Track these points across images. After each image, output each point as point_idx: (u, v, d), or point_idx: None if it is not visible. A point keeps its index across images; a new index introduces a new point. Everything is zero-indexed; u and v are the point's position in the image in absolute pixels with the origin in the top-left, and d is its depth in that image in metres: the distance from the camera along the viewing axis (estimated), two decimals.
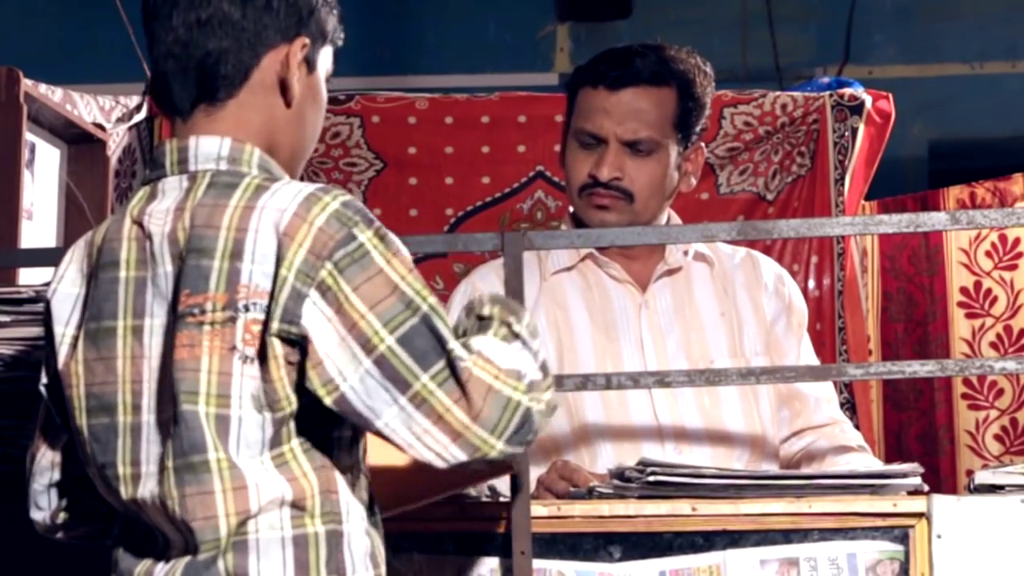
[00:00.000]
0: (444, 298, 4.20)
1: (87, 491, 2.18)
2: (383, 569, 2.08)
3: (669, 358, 2.92)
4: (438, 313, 1.99)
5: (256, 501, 1.99)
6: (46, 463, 2.22)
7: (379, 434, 1.99)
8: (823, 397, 3.02)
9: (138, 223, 2.09)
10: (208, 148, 2.10)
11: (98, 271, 2.10)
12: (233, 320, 1.98)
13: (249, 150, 2.11)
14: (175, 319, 2.01)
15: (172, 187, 2.10)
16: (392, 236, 2.03)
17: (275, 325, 1.98)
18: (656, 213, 2.98)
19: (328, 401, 1.97)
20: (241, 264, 1.99)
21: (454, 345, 1.97)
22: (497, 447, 1.96)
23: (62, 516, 2.23)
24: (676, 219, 3.05)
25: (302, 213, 2.00)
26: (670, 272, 2.99)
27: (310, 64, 2.18)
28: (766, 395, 2.96)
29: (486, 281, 2.95)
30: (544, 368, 2.04)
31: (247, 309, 1.98)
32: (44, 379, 2.18)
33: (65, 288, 2.14)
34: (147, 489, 2.03)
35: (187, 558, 2.00)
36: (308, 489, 2.01)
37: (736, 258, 3.06)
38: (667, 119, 2.95)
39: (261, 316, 1.98)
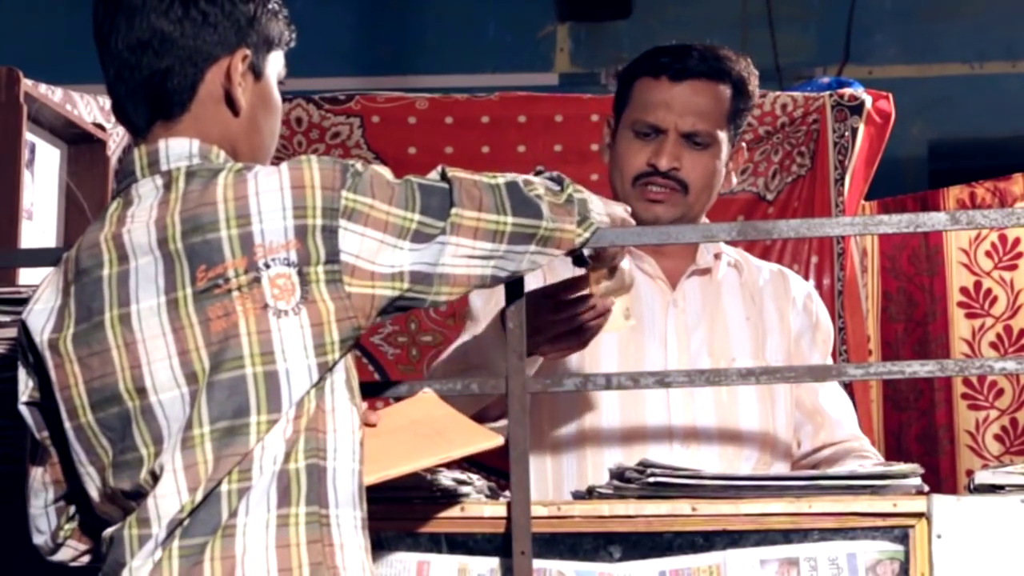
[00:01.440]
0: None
1: (84, 506, 2.20)
2: (363, 502, 2.12)
3: (692, 355, 2.93)
4: (425, 179, 2.17)
5: (260, 446, 2.04)
6: (38, 484, 2.25)
7: (447, 282, 2.15)
8: (845, 417, 3.05)
9: (119, 226, 2.13)
10: (179, 148, 2.16)
11: (80, 276, 2.13)
12: (258, 280, 2.05)
13: (216, 151, 2.17)
14: (195, 296, 2.05)
15: (147, 189, 2.14)
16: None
17: (318, 271, 2.06)
18: (704, 208, 3.01)
19: (405, 288, 2.13)
20: (251, 227, 2.06)
21: (443, 184, 2.17)
22: (509, 221, 2.18)
23: (62, 535, 2.26)
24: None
25: (296, 165, 2.09)
26: (700, 272, 3.01)
27: (256, 72, 2.22)
28: (783, 401, 2.98)
29: None
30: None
31: (267, 266, 2.05)
32: (24, 396, 2.21)
33: (40, 306, 2.18)
34: (163, 459, 2.05)
35: (192, 513, 2.03)
36: (299, 426, 2.05)
37: (766, 272, 3.09)
38: (723, 114, 2.98)
39: (285, 269, 2.05)
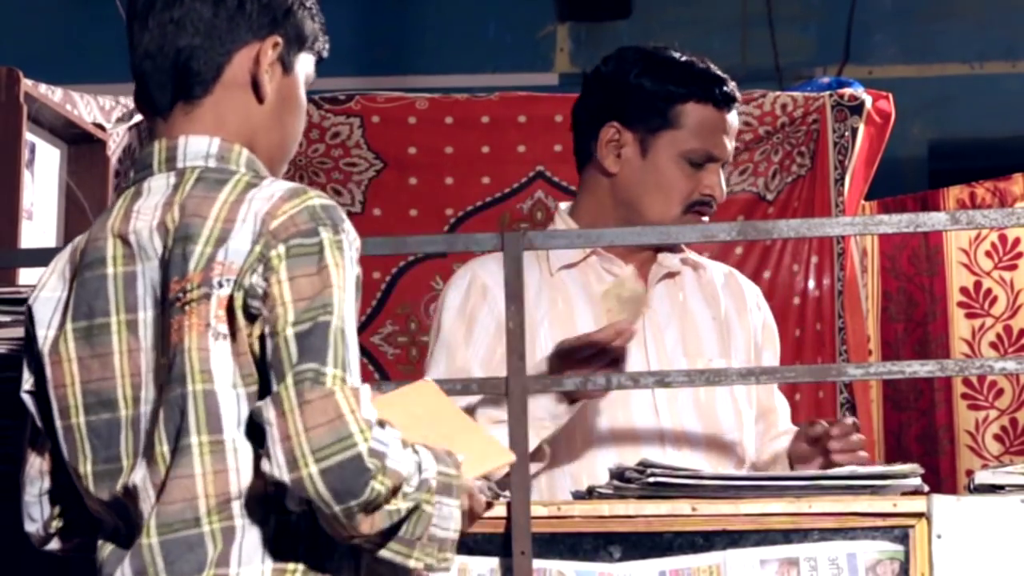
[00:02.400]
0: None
1: (76, 498, 2.18)
2: (363, 560, 2.09)
3: (669, 356, 2.94)
4: (346, 336, 1.99)
5: (236, 485, 2.01)
6: (34, 472, 2.23)
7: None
8: (786, 411, 3.11)
9: (124, 221, 2.11)
10: (197, 146, 2.14)
11: (83, 270, 2.12)
12: (208, 297, 2.02)
13: (238, 149, 2.14)
14: (167, 307, 2.04)
15: (159, 184, 2.13)
16: (350, 249, 2.04)
17: (239, 296, 2.01)
18: None
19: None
20: (221, 247, 2.03)
21: (339, 369, 1.97)
22: (311, 469, 1.91)
23: (55, 525, 2.24)
24: None
25: (285, 198, 2.05)
26: (669, 275, 3.02)
27: (285, 66, 2.20)
28: (747, 404, 3.01)
29: (486, 269, 2.95)
30: (420, 482, 2.00)
31: (220, 286, 2.02)
32: (27, 385, 2.19)
33: (47, 293, 2.17)
34: (136, 476, 2.04)
35: (159, 538, 2.00)
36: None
37: (719, 272, 3.11)
38: None
39: (234, 292, 2.02)
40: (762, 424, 3.04)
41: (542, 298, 2.95)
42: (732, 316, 3.04)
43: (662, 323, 2.98)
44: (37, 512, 2.24)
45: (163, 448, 2.02)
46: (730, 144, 2.98)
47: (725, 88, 2.98)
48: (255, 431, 2.01)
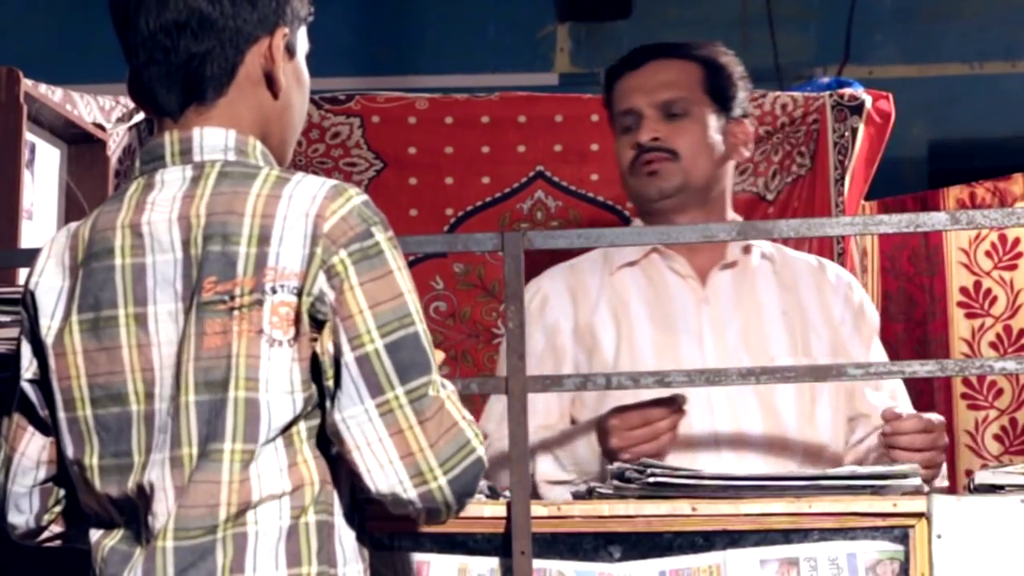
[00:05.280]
0: (445, 298, 4.21)
1: (70, 490, 2.16)
2: (368, 558, 2.10)
3: (729, 352, 2.94)
4: (428, 338, 2.03)
5: (258, 492, 2.00)
6: (29, 463, 2.19)
7: (333, 426, 2.01)
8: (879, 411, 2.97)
9: (137, 212, 2.07)
10: (214, 139, 2.10)
11: (89, 261, 2.08)
12: (260, 303, 1.99)
13: (252, 142, 2.12)
14: (198, 306, 2.00)
15: (174, 177, 2.09)
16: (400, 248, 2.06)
17: (306, 301, 2.00)
18: (709, 175, 3.05)
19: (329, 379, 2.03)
20: (269, 248, 2.00)
21: (436, 374, 2.02)
22: (440, 481, 2.00)
23: (46, 518, 2.21)
24: (738, 219, 3.12)
25: (329, 196, 2.03)
26: (728, 266, 3.04)
27: (291, 50, 2.17)
28: (827, 398, 2.97)
29: (555, 282, 3.02)
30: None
31: (274, 291, 2.00)
32: (27, 374, 2.15)
33: (48, 281, 2.12)
34: (152, 475, 2.01)
35: (175, 542, 1.99)
36: (307, 476, 2.02)
37: (802, 264, 3.10)
38: (695, 84, 3.06)
39: (291, 298, 2.00)
40: (859, 431, 3.01)
41: (601, 299, 2.98)
42: (812, 310, 3.02)
43: (724, 319, 2.98)
44: (26, 504, 2.20)
45: (191, 450, 2.00)
46: (649, 94, 3.06)
47: (634, 52, 3.12)
48: (323, 440, 2.03)
